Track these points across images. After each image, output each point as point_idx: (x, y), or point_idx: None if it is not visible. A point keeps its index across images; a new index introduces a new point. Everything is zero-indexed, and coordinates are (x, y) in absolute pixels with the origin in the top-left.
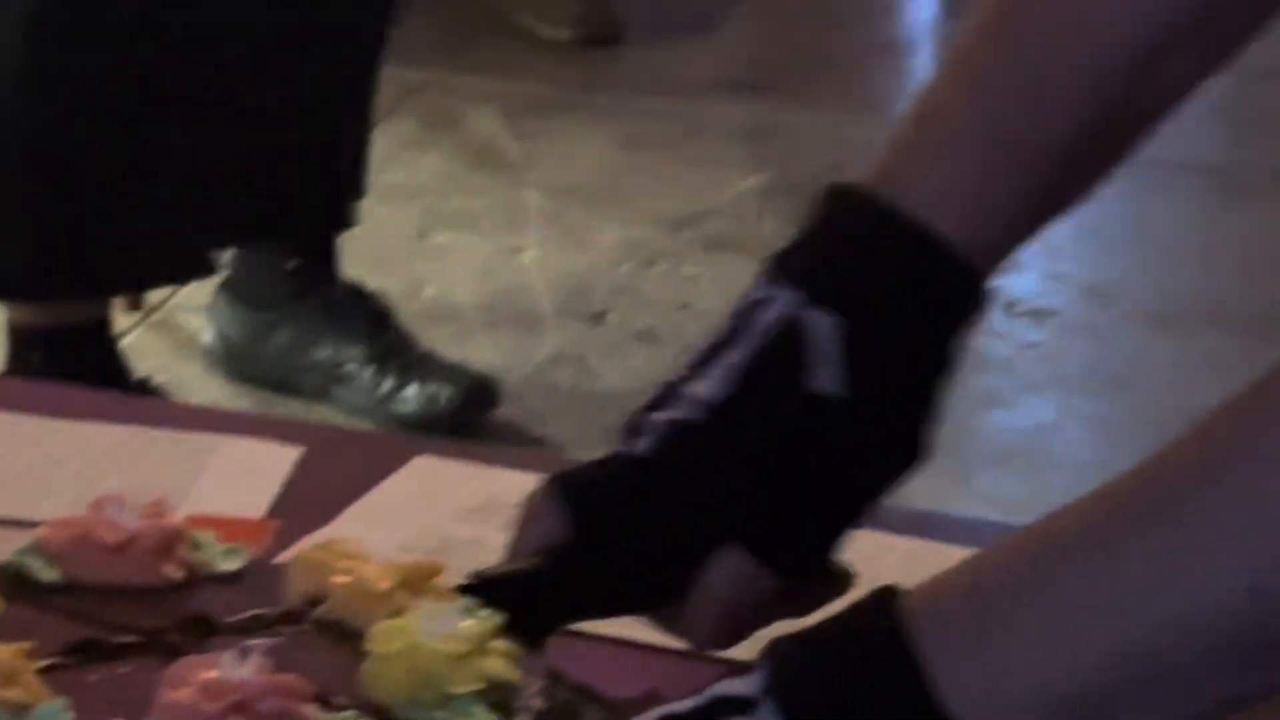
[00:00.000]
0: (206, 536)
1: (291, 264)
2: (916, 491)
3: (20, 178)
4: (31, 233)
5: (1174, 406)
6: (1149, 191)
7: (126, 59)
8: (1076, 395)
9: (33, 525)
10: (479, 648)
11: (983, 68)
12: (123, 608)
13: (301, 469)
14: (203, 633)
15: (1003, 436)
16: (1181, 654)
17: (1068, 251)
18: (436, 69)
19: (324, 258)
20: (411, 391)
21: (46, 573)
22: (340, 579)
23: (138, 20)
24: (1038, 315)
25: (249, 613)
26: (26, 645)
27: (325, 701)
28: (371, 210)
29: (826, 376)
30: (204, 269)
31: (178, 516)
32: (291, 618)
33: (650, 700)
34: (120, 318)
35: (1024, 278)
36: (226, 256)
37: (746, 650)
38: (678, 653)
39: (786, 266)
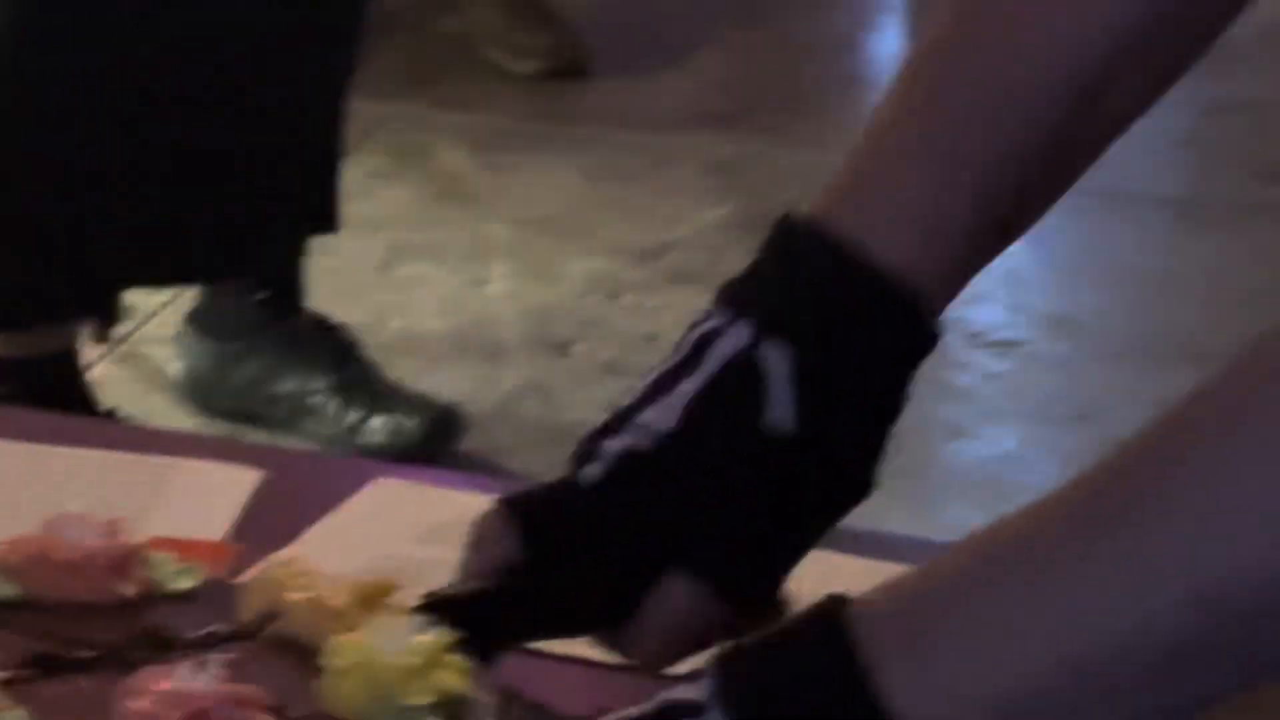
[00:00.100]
0: (160, 556)
1: (258, 296)
2: (878, 521)
3: None
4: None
5: None
6: (1113, 223)
7: (100, 83)
8: (1040, 426)
9: None
10: (433, 662)
11: (930, 99)
12: (80, 624)
13: (262, 492)
14: (159, 648)
15: (966, 467)
16: (1123, 661)
17: (1032, 283)
18: (404, 102)
19: (290, 290)
20: (378, 422)
21: (4, 589)
22: (296, 596)
23: (109, 50)
24: (1001, 346)
25: (205, 629)
26: None
27: (282, 714)
28: (338, 242)
29: (780, 412)
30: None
31: (133, 535)
32: (247, 634)
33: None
34: (88, 349)
35: (988, 309)
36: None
37: (690, 666)
38: (633, 670)
39: (741, 298)
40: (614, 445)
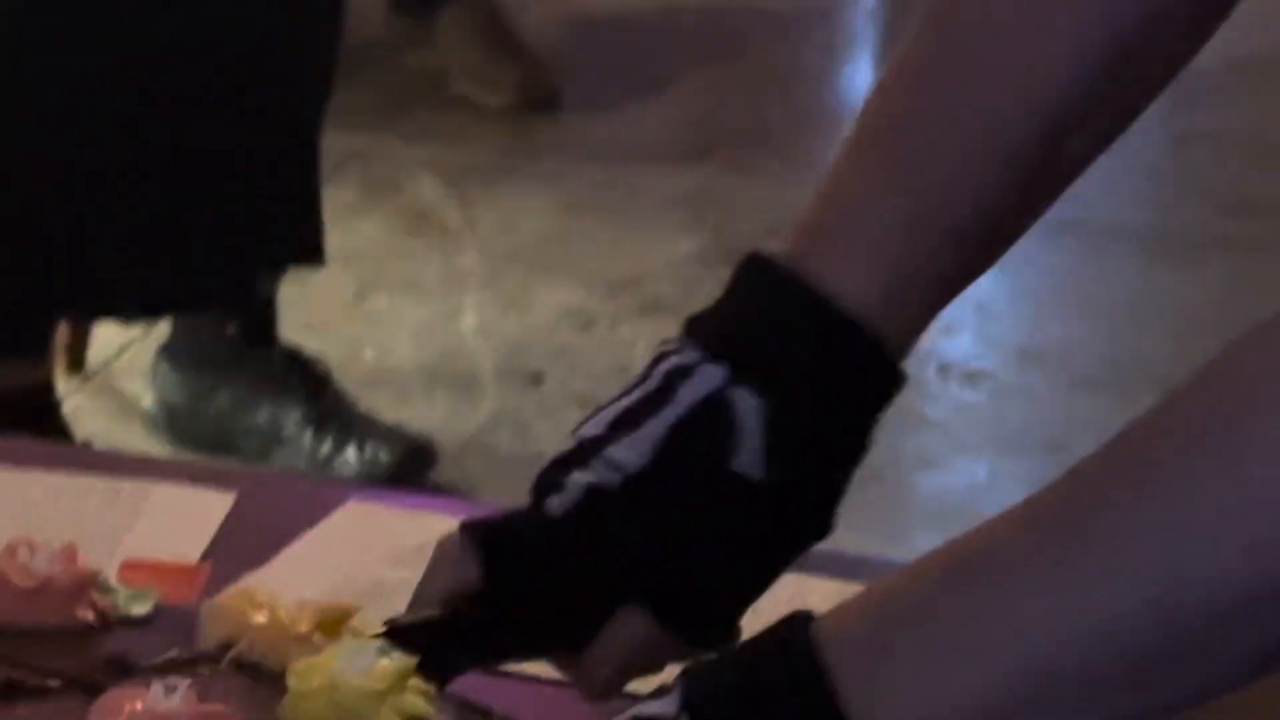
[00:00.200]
0: (115, 582)
1: (231, 328)
2: (850, 550)
3: None
4: None
5: None
6: (1080, 255)
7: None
8: (1010, 456)
9: None
10: (397, 685)
11: (896, 138)
12: (40, 650)
13: (234, 515)
14: (122, 674)
15: (937, 497)
16: (1084, 669)
17: (1001, 314)
18: (377, 135)
19: (263, 322)
20: (351, 454)
21: None
22: (257, 620)
23: (88, 82)
24: (971, 377)
25: (166, 654)
26: None
27: None
28: (311, 275)
29: (749, 458)
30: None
31: (108, 559)
32: (209, 658)
33: None
34: (61, 382)
35: (958, 341)
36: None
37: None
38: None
39: (711, 337)
40: (581, 479)
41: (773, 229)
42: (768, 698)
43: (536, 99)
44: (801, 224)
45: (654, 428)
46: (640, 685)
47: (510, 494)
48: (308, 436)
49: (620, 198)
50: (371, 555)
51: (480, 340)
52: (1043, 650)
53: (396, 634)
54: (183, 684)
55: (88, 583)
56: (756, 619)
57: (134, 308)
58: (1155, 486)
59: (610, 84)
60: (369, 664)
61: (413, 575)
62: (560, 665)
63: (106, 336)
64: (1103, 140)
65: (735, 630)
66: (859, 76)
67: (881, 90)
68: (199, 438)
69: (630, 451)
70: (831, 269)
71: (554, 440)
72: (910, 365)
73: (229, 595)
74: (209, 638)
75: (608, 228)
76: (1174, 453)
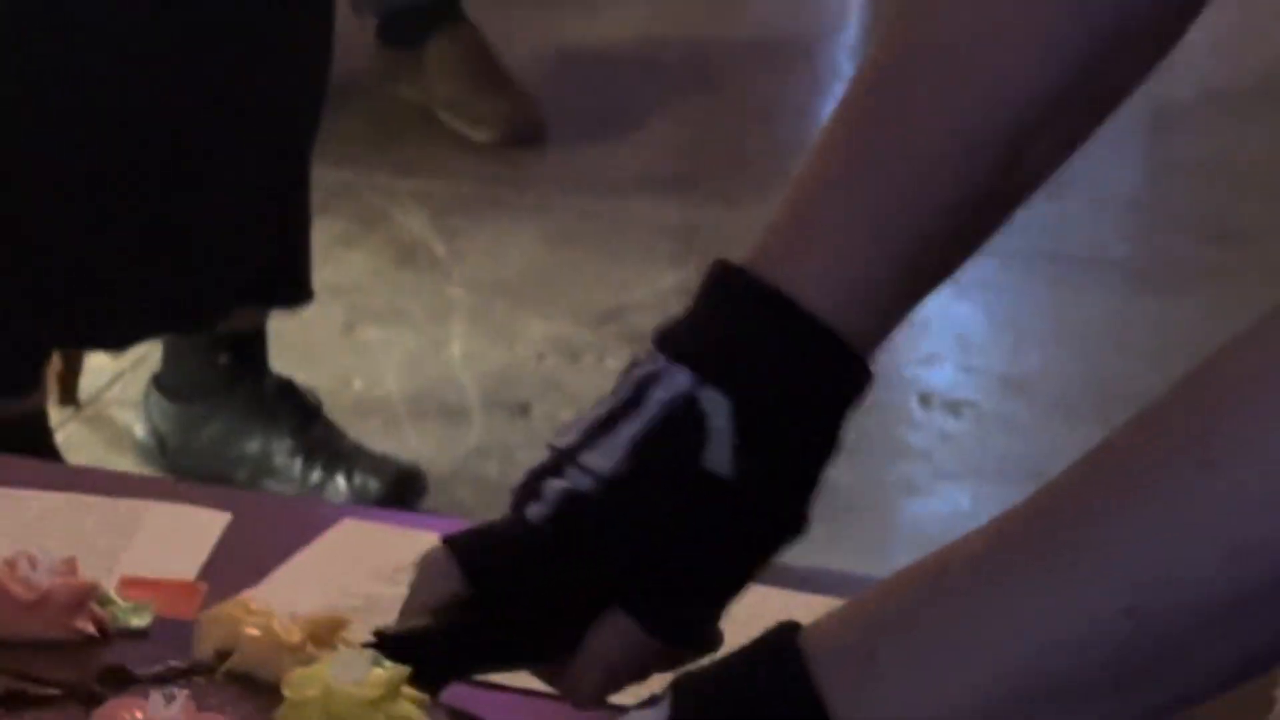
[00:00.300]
0: (113, 595)
1: (222, 359)
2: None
3: None
4: None
5: None
6: (1062, 284)
7: (59, 148)
8: (992, 485)
9: None
10: (390, 693)
11: (861, 149)
12: (41, 661)
13: (230, 534)
14: (120, 683)
15: (920, 525)
16: (1067, 676)
17: (983, 344)
18: (364, 168)
19: (254, 353)
20: (340, 483)
21: None
22: (251, 631)
23: (67, 109)
24: (954, 406)
25: (163, 665)
26: None
27: None
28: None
29: (719, 456)
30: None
31: (106, 576)
32: (204, 669)
33: None
34: (53, 412)
35: (940, 370)
36: (159, 351)
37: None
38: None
39: (678, 343)
40: (556, 485)
41: None
42: (755, 706)
43: (522, 132)
44: (767, 230)
45: (626, 432)
46: (629, 698)
47: None
48: (298, 466)
49: (606, 229)
50: (365, 572)
51: (468, 370)
52: (1026, 657)
53: (385, 643)
54: (181, 694)
55: (87, 595)
56: (745, 634)
57: (125, 329)
58: (1136, 494)
59: (595, 117)
60: (363, 673)
61: (406, 591)
62: (547, 677)
63: (98, 367)
64: (1057, 159)
65: (716, 632)
66: None
67: (845, 100)
68: (190, 467)
69: (604, 457)
70: (797, 271)
71: None
72: (893, 394)
73: (224, 607)
74: (205, 648)
75: (594, 259)
76: (1154, 461)
